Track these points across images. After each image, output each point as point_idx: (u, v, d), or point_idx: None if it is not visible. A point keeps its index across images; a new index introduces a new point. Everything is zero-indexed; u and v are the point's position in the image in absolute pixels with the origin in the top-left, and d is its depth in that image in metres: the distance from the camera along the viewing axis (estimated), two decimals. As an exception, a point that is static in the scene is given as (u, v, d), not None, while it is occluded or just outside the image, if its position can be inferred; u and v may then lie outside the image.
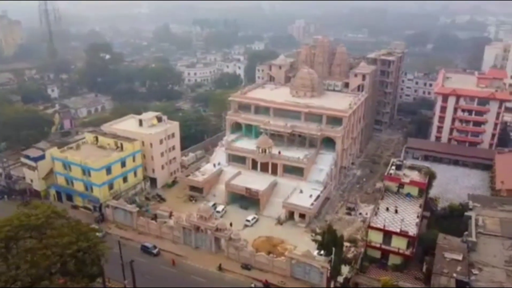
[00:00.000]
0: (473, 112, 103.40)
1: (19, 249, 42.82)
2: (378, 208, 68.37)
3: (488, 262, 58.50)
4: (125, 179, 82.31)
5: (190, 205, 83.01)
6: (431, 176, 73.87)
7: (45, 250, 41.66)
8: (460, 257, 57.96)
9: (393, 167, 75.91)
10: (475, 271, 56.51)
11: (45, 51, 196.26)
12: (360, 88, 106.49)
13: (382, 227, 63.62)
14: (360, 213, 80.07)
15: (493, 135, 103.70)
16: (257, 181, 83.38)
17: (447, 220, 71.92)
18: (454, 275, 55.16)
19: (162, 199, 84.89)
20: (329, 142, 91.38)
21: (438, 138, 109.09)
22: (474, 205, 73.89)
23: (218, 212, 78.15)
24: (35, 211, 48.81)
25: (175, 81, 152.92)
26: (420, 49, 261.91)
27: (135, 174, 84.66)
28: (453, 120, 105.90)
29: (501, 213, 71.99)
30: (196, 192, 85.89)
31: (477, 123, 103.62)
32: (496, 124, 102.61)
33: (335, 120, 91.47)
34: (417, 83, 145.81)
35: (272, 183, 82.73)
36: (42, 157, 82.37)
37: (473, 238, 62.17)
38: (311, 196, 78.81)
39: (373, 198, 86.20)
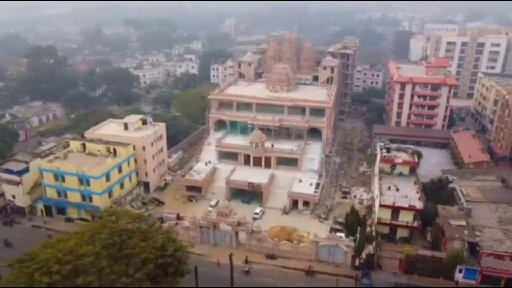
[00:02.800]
0: (428, 98, 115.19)
1: (123, 253, 40.45)
2: (381, 188, 74.31)
3: (485, 225, 67.24)
4: (122, 185, 79.31)
5: (191, 205, 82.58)
6: (418, 156, 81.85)
7: (147, 254, 39.96)
8: (464, 223, 65.85)
9: (384, 150, 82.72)
10: (477, 233, 64.73)
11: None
12: (329, 80, 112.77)
13: (392, 205, 69.57)
14: (355, 196, 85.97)
15: (445, 117, 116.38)
16: (254, 175, 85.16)
17: (432, 193, 79.84)
18: (465, 238, 62.90)
19: (160, 203, 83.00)
20: (313, 133, 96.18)
21: (398, 123, 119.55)
22: (453, 178, 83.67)
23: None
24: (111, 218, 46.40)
25: (130, 83, 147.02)
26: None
27: (130, 179, 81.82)
28: (410, 105, 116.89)
29: (477, 182, 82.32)
30: (194, 191, 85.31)
31: (431, 107, 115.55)
32: (447, 107, 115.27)
33: (317, 111, 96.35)
34: (365, 74, 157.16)
35: (271, 175, 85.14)
36: (26, 170, 76.10)
37: (467, 206, 70.84)
38: (311, 184, 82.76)
39: (360, 181, 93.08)
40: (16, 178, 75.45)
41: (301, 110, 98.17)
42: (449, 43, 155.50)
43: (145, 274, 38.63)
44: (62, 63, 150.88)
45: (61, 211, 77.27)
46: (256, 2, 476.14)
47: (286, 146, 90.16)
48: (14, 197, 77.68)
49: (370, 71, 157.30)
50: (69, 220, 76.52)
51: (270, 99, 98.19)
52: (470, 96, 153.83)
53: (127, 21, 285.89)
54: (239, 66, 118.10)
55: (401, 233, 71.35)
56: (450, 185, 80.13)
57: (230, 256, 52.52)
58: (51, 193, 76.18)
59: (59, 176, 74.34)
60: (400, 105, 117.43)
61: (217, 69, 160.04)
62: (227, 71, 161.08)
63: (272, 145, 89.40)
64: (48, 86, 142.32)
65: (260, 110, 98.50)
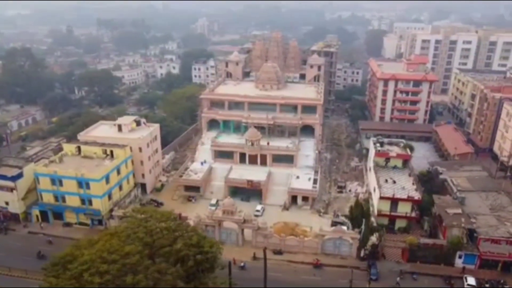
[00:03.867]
0: (410, 93, 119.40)
1: (162, 251, 39.98)
2: (379, 181, 76.76)
3: (478, 212, 70.80)
4: (120, 188, 78.16)
5: (191, 205, 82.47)
6: (411, 149, 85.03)
7: (185, 251, 39.72)
8: (460, 211, 69.21)
9: (378, 144, 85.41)
10: (473, 220, 68.13)
11: None
12: (316, 78, 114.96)
13: (391, 196, 72.10)
14: (350, 190, 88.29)
15: (426, 111, 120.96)
16: (251, 173, 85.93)
17: (424, 184, 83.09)
18: (463, 225, 66.15)
19: (159, 204, 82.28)
20: (305, 130, 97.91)
21: (381, 118, 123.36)
22: (442, 170, 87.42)
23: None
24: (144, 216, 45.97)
25: (112, 85, 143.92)
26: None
27: (128, 181, 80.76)
28: (393, 101, 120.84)
29: (464, 173, 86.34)
30: (192, 191, 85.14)
31: (413, 102, 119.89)
32: (428, 102, 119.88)
33: (309, 109, 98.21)
34: (345, 72, 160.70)
35: (268, 173, 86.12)
36: (20, 175, 73.72)
37: (460, 195, 74.33)
38: (309, 179, 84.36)
39: (353, 176, 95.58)
40: (10, 183, 72.95)
41: (293, 108, 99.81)
42: (423, 41, 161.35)
43: (185, 271, 38.73)
44: (39, 65, 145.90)
45: (58, 216, 75.36)
46: (226, 2, 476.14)
47: (280, 144, 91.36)
48: (7, 203, 75.07)
49: (350, 69, 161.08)
50: (67, 225, 74.82)
51: (262, 98, 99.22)
52: (444, 91, 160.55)
53: (100, 21, 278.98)
54: (227, 66, 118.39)
55: (399, 223, 74.05)
56: (441, 176, 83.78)
57: (264, 250, 53.21)
58: (47, 198, 74.09)
59: (56, 180, 72.41)
60: (384, 101, 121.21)
61: (199, 69, 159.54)
62: (209, 71, 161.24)
63: (268, 143, 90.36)
64: (24, 89, 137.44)
65: (252, 109, 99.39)
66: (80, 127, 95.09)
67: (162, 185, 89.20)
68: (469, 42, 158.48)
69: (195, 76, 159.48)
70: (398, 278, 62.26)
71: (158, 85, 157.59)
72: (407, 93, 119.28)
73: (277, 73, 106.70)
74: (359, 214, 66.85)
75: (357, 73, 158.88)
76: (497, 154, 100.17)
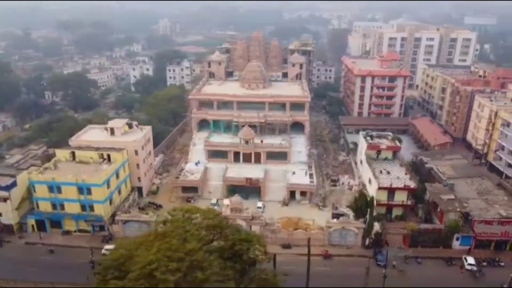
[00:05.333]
0: (386, 89, 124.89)
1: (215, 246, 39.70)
2: (375, 173, 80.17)
3: (468, 197, 75.85)
4: (119, 192, 76.63)
5: (190, 206, 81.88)
6: (399, 141, 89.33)
7: (239, 246, 39.80)
8: (453, 196, 73.90)
9: (369, 138, 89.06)
10: (465, 204, 72.99)
11: None
12: (298, 76, 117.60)
13: (389, 186, 75.64)
14: (343, 183, 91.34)
15: (401, 105, 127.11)
16: (248, 171, 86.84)
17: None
18: (458, 209, 70.73)
19: (158, 206, 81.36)
20: (294, 127, 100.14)
21: (360, 114, 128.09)
22: (427, 159, 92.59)
23: (227, 206, 79.36)
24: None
25: (87, 88, 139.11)
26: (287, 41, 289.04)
27: (125, 185, 79.28)
28: (371, 97, 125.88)
29: (447, 161, 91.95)
30: (190, 192, 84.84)
31: (389, 97, 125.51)
32: (402, 96, 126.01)
33: (297, 106, 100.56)
34: (319, 70, 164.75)
35: (265, 170, 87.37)
36: (14, 184, 70.45)
37: (450, 182, 79.24)
38: (306, 174, 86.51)
39: (342, 169, 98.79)
40: (3, 193, 69.48)
41: (281, 106, 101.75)
42: (390, 38, 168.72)
43: (240, 265, 39.25)
44: (5, 69, 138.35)
45: (56, 224, 72.66)
46: (183, 3, 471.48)
47: (272, 141, 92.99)
48: (0, 214, 71.44)
49: (323, 67, 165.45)
50: (66, 232, 72.38)
51: (252, 97, 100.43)
52: (411, 86, 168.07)
53: (60, 23, 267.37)
54: (209, 66, 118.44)
55: (396, 212, 77.76)
56: (427, 166, 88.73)
57: (308, 240, 54.07)
58: (44, 206, 71.25)
59: (54, 187, 69.79)
60: (362, 97, 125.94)
61: (174, 71, 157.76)
62: (184, 72, 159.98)
63: (262, 141, 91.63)
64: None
65: (241, 108, 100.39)
66: (66, 132, 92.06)
67: (158, 188, 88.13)
68: (432, 39, 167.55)
69: (170, 77, 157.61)
70: (394, 262, 65.36)
71: (135, 87, 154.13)
72: (383, 88, 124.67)
73: (262, 72, 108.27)
74: (363, 204, 69.69)
75: (330, 70, 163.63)
76: (470, 143, 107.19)
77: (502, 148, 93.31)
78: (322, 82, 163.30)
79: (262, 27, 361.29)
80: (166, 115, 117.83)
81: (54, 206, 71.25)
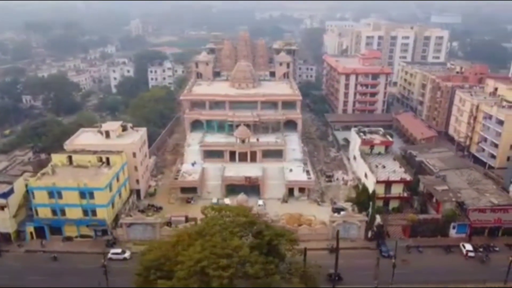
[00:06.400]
0: (369, 86, 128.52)
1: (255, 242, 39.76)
2: (371, 167, 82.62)
3: (459, 187, 79.50)
4: (120, 195, 75.55)
5: (191, 207, 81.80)
6: (391, 136, 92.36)
7: (277, 241, 40.11)
8: (446, 187, 77.23)
9: (362, 134, 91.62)
10: (458, 194, 76.52)
11: None
12: (285, 75, 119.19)
13: (387, 179, 78.22)
14: (337, 178, 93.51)
15: (384, 102, 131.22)
16: (246, 170, 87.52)
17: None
18: (453, 199, 74.05)
19: (159, 208, 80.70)
20: (287, 125, 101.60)
21: (344, 111, 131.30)
22: (415, 153, 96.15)
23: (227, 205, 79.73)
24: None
25: (69, 91, 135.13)
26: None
27: (125, 188, 78.25)
28: (355, 94, 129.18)
29: (434, 154, 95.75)
30: (189, 193, 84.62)
31: (373, 94, 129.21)
32: (385, 93, 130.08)
33: (289, 104, 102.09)
34: (300, 68, 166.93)
35: (263, 168, 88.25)
36: (11, 192, 68.21)
37: (442, 173, 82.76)
38: (304, 171, 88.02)
39: (335, 165, 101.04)
40: (1, 201, 67.11)
41: (272, 105, 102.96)
42: (368, 37, 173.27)
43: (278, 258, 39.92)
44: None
45: (56, 230, 70.82)
46: (154, 3, 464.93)
47: (267, 140, 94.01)
48: (-4, 223, 69.03)
49: (304, 65, 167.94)
50: (67, 239, 70.64)
51: (244, 96, 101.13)
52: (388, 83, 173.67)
53: (28, 25, 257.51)
54: (197, 66, 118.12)
55: (393, 204, 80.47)
56: (417, 159, 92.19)
57: (337, 233, 54.79)
58: (44, 212, 69.28)
59: (55, 193, 68.05)
60: (346, 94, 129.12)
61: (155, 72, 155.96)
62: (166, 73, 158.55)
63: (258, 139, 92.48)
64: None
65: (233, 108, 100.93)
66: (56, 137, 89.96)
67: (155, 190, 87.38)
68: (407, 38, 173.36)
69: (152, 79, 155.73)
70: (391, 252, 67.49)
71: (117, 89, 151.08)
72: (366, 86, 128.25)
73: (252, 72, 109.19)
74: (366, 198, 71.85)
75: (311, 69, 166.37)
76: (453, 136, 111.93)
77: (485, 140, 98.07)
78: (304, 81, 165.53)
79: (235, 27, 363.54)
80: (154, 116, 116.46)
81: (54, 212, 69.44)
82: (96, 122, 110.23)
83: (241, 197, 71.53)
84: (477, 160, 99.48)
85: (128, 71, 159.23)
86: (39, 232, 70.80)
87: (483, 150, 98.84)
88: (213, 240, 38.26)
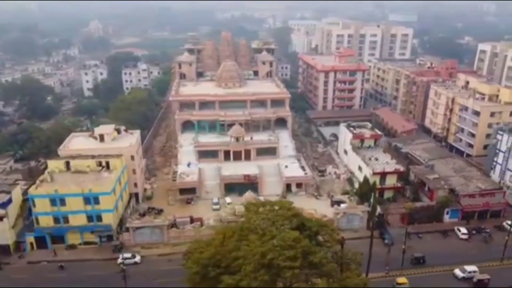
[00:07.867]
0: (347, 83, 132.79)
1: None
2: (365, 160, 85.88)
3: (448, 175, 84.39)
4: (122, 199, 74.03)
5: (191, 207, 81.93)
6: (379, 130, 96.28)
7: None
8: (437, 176, 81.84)
9: (352, 128, 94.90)
10: (449, 182, 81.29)
11: None
12: (268, 74, 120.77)
13: (382, 171, 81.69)
14: (330, 173, 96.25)
15: (361, 98, 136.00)
16: (242, 168, 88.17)
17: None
18: (445, 186, 78.63)
19: (160, 210, 79.72)
20: (276, 123, 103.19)
21: (324, 107, 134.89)
22: (400, 145, 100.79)
23: (229, 204, 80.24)
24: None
25: (44, 96, 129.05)
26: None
27: (126, 191, 76.75)
28: (334, 91, 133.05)
29: (418, 145, 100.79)
30: (188, 194, 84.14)
31: (350, 91, 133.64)
32: (362, 89, 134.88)
33: (278, 102, 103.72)
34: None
35: (260, 166, 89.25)
36: (10, 201, 65.20)
37: (430, 163, 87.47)
38: (300, 167, 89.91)
39: (325, 160, 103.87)
40: (0, 211, 64.00)
41: (261, 103, 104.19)
42: (338, 35, 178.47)
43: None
44: None
45: (58, 239, 68.37)
46: (110, 3, 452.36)
47: (259, 138, 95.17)
48: (-6, 235, 65.65)
49: (280, 64, 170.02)
50: (71, 247, 68.42)
51: (234, 95, 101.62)
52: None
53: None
54: (180, 67, 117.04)
55: (387, 194, 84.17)
56: (402, 150, 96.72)
57: (372, 226, 55.60)
58: (45, 221, 66.64)
59: (57, 200, 65.69)
60: (326, 91, 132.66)
61: (130, 74, 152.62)
62: (141, 75, 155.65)
63: (252, 138, 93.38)
64: None
65: (222, 107, 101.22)
66: (42, 143, 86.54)
67: (152, 192, 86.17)
68: (375, 35, 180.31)
69: (126, 81, 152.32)
70: (386, 240, 70.86)
71: (92, 92, 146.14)
72: (345, 82, 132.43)
73: (238, 71, 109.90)
74: (367, 189, 74.79)
75: (286, 68, 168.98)
76: (429, 128, 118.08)
77: (462, 130, 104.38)
78: (279, 79, 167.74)
79: (197, 27, 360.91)
80: (138, 119, 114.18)
81: (56, 220, 67.02)
82: (78, 126, 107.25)
83: (249, 194, 72.37)
84: (454, 150, 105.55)
85: (101, 74, 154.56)
86: (40, 242, 68.04)
87: (461, 140, 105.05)
88: (270, 234, 38.97)
